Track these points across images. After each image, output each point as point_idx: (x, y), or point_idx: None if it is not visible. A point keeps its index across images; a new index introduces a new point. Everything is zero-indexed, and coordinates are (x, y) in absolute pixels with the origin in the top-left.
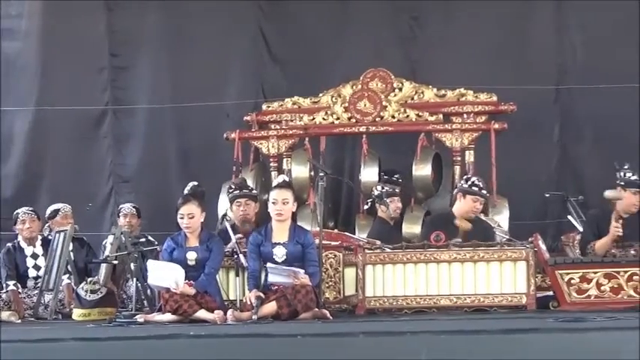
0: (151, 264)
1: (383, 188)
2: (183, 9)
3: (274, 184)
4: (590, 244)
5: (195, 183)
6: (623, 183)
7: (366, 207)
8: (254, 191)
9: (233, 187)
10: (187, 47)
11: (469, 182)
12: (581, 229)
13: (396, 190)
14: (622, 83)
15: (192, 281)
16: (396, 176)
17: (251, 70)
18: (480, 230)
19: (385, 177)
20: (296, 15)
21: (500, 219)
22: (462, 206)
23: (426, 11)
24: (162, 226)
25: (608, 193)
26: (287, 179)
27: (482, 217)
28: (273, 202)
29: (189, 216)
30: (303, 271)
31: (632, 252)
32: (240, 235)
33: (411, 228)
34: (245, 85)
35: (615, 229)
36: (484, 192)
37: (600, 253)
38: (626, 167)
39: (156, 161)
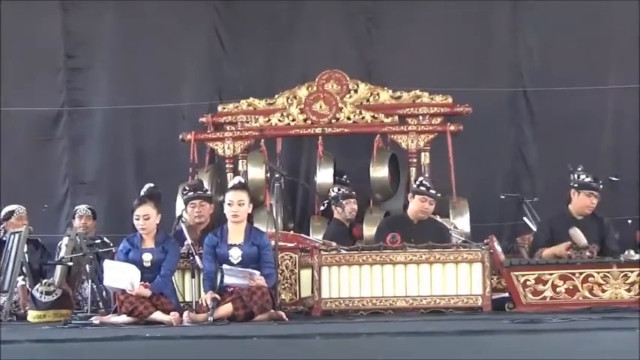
0: (107, 264)
1: (339, 190)
2: (139, 9)
3: (230, 185)
4: (539, 251)
5: (152, 184)
6: (576, 185)
7: (322, 208)
8: (208, 192)
9: (187, 188)
10: (143, 48)
11: (417, 182)
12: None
13: (352, 192)
14: (579, 85)
15: (147, 283)
16: (344, 177)
17: (207, 72)
18: (436, 231)
19: (335, 178)
20: (251, 16)
21: (461, 220)
22: (412, 207)
23: (382, 12)
24: (120, 228)
25: (574, 233)
26: (242, 181)
27: (437, 218)
28: (229, 204)
29: (145, 217)
30: (259, 272)
31: (588, 254)
32: (191, 240)
33: (371, 230)
34: (201, 86)
35: (564, 252)
36: (432, 192)
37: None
38: (579, 169)
39: (113, 163)
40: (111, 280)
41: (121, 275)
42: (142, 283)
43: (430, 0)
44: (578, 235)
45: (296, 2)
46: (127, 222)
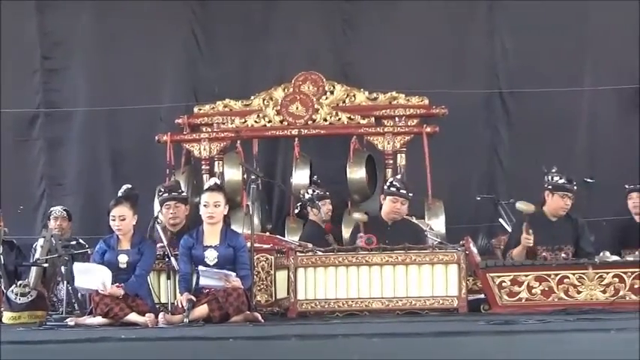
0: (77, 266)
1: (314, 191)
2: (116, 10)
3: (205, 187)
4: (509, 253)
5: (129, 185)
6: (550, 186)
7: (296, 211)
8: (184, 194)
9: (162, 190)
10: (120, 49)
11: (388, 183)
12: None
13: (326, 193)
14: (554, 87)
15: (122, 284)
16: (314, 177)
17: (183, 73)
18: (411, 233)
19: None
20: (228, 17)
21: (437, 222)
22: (384, 208)
23: (359, 13)
24: (96, 229)
25: (520, 205)
26: (218, 182)
27: (413, 219)
28: (205, 205)
29: (121, 218)
30: (235, 274)
31: (563, 255)
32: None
33: (350, 231)
34: (177, 87)
35: (525, 239)
36: (403, 192)
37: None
38: (553, 171)
39: (89, 164)
40: (82, 282)
41: (91, 276)
42: (116, 284)
43: (406, 1)
44: (523, 205)
45: (272, 3)
46: (103, 223)
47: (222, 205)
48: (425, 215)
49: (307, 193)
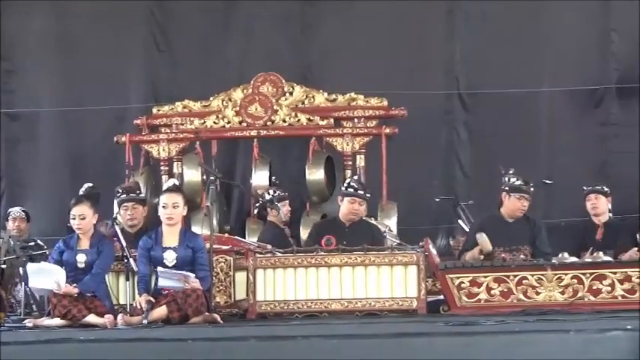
0: (31, 267)
1: (275, 192)
2: (74, 10)
3: (164, 188)
4: (463, 255)
5: (91, 184)
6: (507, 188)
7: (255, 211)
8: (141, 195)
9: (120, 191)
10: (79, 50)
11: (345, 184)
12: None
13: (285, 194)
14: (513, 88)
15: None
16: (273, 178)
17: (143, 73)
18: (369, 234)
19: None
20: (187, 17)
21: (389, 223)
22: (342, 209)
23: (318, 14)
24: (56, 230)
25: (480, 239)
26: (177, 183)
27: (371, 220)
28: (164, 206)
29: (81, 217)
30: (194, 275)
31: (522, 256)
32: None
33: (307, 233)
34: (137, 88)
35: (476, 257)
36: (360, 192)
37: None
38: (510, 172)
39: (49, 165)
40: (36, 282)
41: (45, 276)
42: (74, 285)
43: (366, 3)
44: (483, 240)
45: (231, 3)
46: (63, 224)
47: (181, 206)
48: (377, 216)
49: (267, 194)
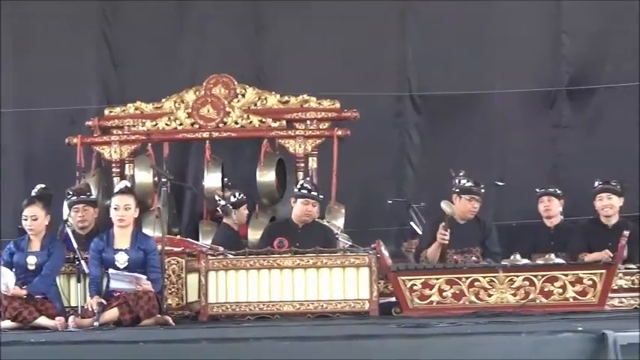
0: None
1: (236, 196)
2: (25, 11)
3: (116, 189)
4: (423, 253)
5: (43, 185)
6: (458, 190)
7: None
8: (92, 197)
9: (71, 193)
10: (31, 50)
11: (299, 185)
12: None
13: (244, 197)
14: (466, 90)
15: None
16: (225, 179)
17: (95, 74)
18: (321, 236)
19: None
20: (139, 18)
21: (338, 226)
22: (295, 211)
23: (271, 16)
24: (6, 232)
25: (443, 206)
26: (129, 185)
27: (324, 222)
28: (115, 208)
29: (33, 218)
30: (145, 277)
31: (474, 258)
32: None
33: (257, 234)
34: (89, 89)
35: (441, 236)
36: (314, 194)
37: (432, 260)
38: (461, 174)
39: (1, 166)
40: None
41: None
42: (24, 287)
43: (319, 4)
44: (448, 205)
45: (184, 3)
46: (14, 226)
47: (133, 207)
48: (325, 218)
49: (224, 197)
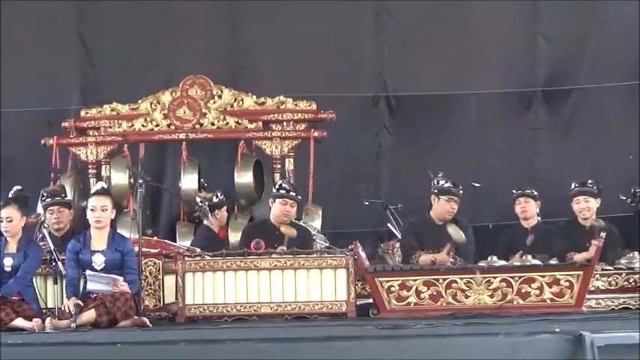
0: None
1: (220, 196)
2: (2, 10)
3: (92, 191)
4: (415, 255)
5: (19, 187)
6: (436, 191)
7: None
8: (67, 198)
9: (45, 194)
10: (7, 50)
11: (277, 186)
12: (400, 237)
13: (224, 199)
14: (442, 90)
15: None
16: (201, 181)
17: (71, 75)
18: (299, 237)
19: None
20: (116, 19)
21: (315, 227)
22: (274, 211)
23: (247, 17)
24: None
25: (451, 231)
26: (105, 186)
27: (301, 223)
28: (92, 209)
29: (8, 219)
30: (122, 278)
31: (451, 260)
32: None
33: (237, 236)
34: (66, 90)
35: (445, 259)
36: (292, 194)
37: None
38: (439, 175)
39: None
40: None
41: None
42: None
43: (296, 4)
44: (455, 231)
45: (161, 5)
46: None
47: (110, 209)
48: (302, 219)
49: (205, 198)
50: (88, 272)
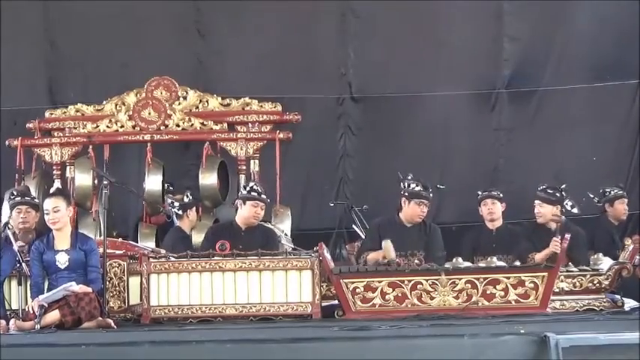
0: None
1: (189, 198)
2: None
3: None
4: (364, 255)
5: None
6: (407, 194)
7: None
8: (35, 200)
9: (15, 193)
10: None
11: (247, 188)
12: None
13: (194, 199)
14: (408, 92)
15: None
16: (167, 185)
17: (36, 76)
18: (264, 238)
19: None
20: (82, 19)
21: (282, 228)
22: (243, 213)
23: (213, 17)
24: None
25: (385, 244)
26: (60, 187)
27: (267, 225)
28: (46, 213)
29: None
30: (73, 283)
31: (416, 261)
32: (21, 244)
33: (201, 237)
34: (31, 91)
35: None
36: (263, 197)
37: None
38: (409, 177)
39: None
40: None
41: None
42: None
43: (261, 4)
44: (389, 247)
45: (127, 4)
46: None
47: (63, 209)
48: (272, 221)
49: (186, 198)
50: (40, 297)
